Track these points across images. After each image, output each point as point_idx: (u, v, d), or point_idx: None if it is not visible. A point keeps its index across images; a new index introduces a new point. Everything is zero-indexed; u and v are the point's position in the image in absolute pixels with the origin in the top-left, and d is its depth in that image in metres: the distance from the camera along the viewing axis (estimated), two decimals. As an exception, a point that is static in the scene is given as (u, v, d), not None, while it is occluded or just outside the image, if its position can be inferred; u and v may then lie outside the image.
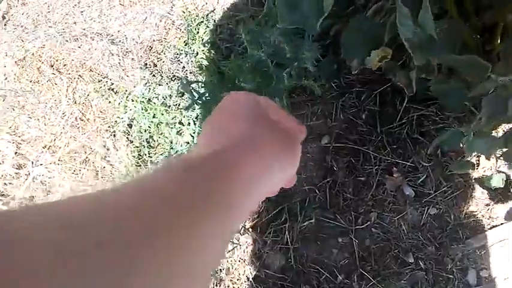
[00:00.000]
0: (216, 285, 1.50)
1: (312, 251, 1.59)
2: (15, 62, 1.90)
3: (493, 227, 1.55)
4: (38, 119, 1.79)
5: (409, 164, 1.65)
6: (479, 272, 1.52)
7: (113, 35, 1.92)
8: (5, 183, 1.72)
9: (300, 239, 1.61)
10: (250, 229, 1.58)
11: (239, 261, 1.55)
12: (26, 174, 1.73)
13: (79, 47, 1.91)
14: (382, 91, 1.72)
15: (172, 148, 1.59)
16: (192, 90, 1.25)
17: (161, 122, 1.64)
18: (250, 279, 1.51)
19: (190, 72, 1.72)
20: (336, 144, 1.72)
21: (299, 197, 1.64)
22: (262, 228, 1.61)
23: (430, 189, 1.63)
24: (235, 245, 1.53)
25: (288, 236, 1.59)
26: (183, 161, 0.31)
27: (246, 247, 1.57)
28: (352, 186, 1.66)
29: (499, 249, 1.50)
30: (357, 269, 1.55)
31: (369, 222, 1.61)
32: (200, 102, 1.28)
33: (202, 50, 1.70)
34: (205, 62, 1.63)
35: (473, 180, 1.61)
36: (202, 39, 1.72)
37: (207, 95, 1.29)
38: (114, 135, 1.71)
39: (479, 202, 1.57)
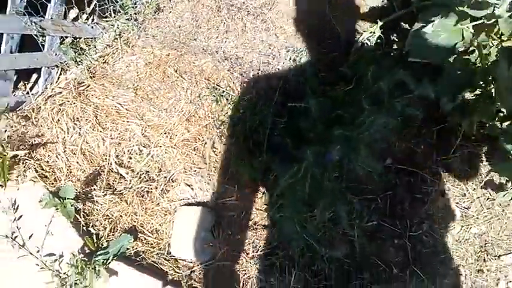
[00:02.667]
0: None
1: (372, 247, 1.95)
2: (146, 63, 2.36)
3: (525, 248, 1.89)
4: (161, 111, 2.22)
5: (458, 189, 2.01)
6: (508, 284, 1.86)
7: (225, 53, 2.37)
8: (129, 157, 2.13)
9: (363, 235, 1.97)
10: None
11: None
12: (146, 154, 2.14)
13: (196, 60, 2.36)
14: (440, 129, 2.10)
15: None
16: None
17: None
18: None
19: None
20: (398, 165, 2.10)
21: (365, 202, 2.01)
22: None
23: (474, 212, 1.98)
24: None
25: (355, 232, 1.95)
26: None
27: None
28: (409, 200, 2.03)
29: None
30: (409, 266, 1.89)
31: (421, 231, 1.97)
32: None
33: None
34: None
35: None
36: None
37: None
38: (222, 129, 2.12)
39: (513, 227, 1.92)
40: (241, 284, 1.79)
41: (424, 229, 1.98)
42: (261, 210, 1.97)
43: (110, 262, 1.77)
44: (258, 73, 2.24)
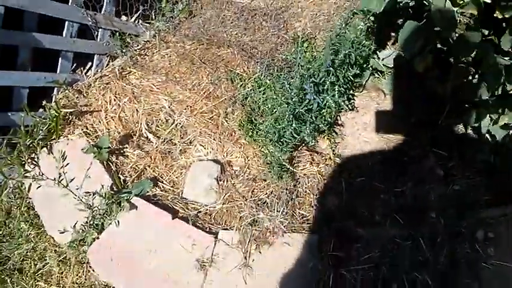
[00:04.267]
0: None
1: (359, 200, 2.15)
2: (177, 55, 2.82)
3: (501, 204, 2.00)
4: (186, 90, 2.64)
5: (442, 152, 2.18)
6: (487, 233, 1.97)
7: (243, 45, 2.78)
8: (157, 126, 2.55)
9: (350, 190, 2.18)
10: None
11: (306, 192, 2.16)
12: (171, 123, 2.55)
13: (219, 51, 2.79)
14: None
15: (272, 113, 2.30)
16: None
17: (268, 97, 2.38)
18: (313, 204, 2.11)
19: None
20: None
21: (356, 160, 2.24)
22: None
23: (456, 172, 2.13)
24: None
25: (343, 186, 2.17)
26: None
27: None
28: (398, 164, 2.23)
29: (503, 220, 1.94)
30: (391, 215, 2.07)
31: (405, 187, 2.15)
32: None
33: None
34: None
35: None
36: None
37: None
38: (234, 103, 2.49)
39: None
40: (238, 220, 2.07)
41: (408, 186, 2.15)
42: (261, 167, 2.26)
43: (131, 198, 2.14)
44: (267, 59, 2.61)
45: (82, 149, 2.25)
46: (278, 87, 2.23)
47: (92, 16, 2.41)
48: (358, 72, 2.06)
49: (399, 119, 2.32)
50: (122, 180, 2.23)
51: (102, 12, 2.50)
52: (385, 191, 2.13)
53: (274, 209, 2.00)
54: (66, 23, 2.34)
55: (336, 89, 1.90)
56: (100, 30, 2.54)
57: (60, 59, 2.41)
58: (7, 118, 2.26)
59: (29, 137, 2.25)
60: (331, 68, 1.89)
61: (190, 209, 2.15)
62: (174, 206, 2.15)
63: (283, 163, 2.03)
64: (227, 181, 2.21)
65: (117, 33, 2.68)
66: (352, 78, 1.98)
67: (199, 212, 2.15)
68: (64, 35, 2.36)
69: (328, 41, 2.03)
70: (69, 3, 2.30)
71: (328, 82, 1.87)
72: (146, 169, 2.32)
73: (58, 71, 2.43)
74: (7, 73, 2.16)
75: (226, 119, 2.46)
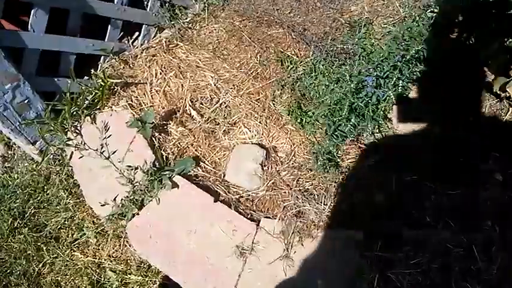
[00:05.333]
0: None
1: (409, 199, 2.02)
2: (226, 31, 2.70)
3: None
4: (233, 68, 2.53)
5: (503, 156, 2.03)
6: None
7: (294, 26, 2.64)
8: (202, 103, 2.46)
9: (400, 188, 2.05)
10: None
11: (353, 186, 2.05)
12: (216, 101, 2.45)
13: (269, 30, 2.65)
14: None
15: (323, 102, 2.17)
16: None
17: (320, 83, 2.25)
18: (360, 200, 1.99)
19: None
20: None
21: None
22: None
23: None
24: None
25: (393, 183, 2.04)
26: None
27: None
28: (453, 164, 2.08)
29: None
30: (442, 218, 1.94)
31: (459, 190, 2.01)
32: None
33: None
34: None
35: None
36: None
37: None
38: (283, 86, 2.37)
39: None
40: (281, 209, 1.98)
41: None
42: (307, 156, 2.16)
43: (173, 176, 2.07)
44: (321, 42, 2.46)
45: (126, 123, 2.18)
46: (333, 75, 2.09)
47: (143, -15, 2.30)
48: (426, 69, 1.90)
49: (457, 116, 2.16)
50: (164, 157, 2.14)
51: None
52: (437, 191, 2.00)
53: (321, 202, 1.90)
54: (119, -10, 2.24)
55: (400, 84, 1.76)
56: (150, 0, 2.43)
57: (109, 26, 2.32)
58: (53, 83, 2.20)
59: (73, 105, 2.18)
60: (398, 63, 1.74)
61: (232, 193, 2.07)
62: (216, 188, 2.07)
63: (333, 156, 1.91)
64: (271, 167, 2.12)
65: (167, 4, 2.56)
66: (419, 75, 1.83)
67: (241, 197, 2.06)
68: (115, 1, 2.26)
69: (394, 32, 1.87)
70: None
71: (394, 78, 1.73)
72: (189, 147, 2.24)
73: (106, 39, 2.35)
74: (57, 37, 2.10)
75: (274, 102, 2.35)
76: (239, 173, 2.10)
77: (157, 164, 2.11)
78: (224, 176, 2.15)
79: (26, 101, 2.08)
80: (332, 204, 1.91)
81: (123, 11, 2.31)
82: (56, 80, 2.20)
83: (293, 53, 2.47)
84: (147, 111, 2.16)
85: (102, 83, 2.22)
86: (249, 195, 2.06)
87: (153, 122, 2.16)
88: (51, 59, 2.17)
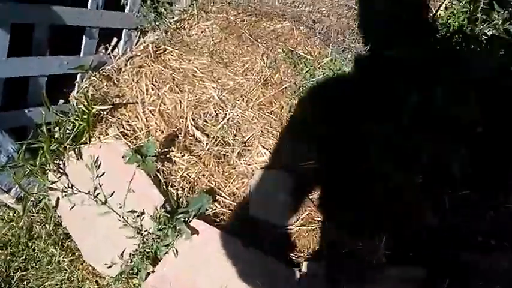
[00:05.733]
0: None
1: (464, 217, 1.77)
2: (221, 29, 2.28)
3: None
4: (237, 75, 2.14)
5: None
6: None
7: (302, 18, 2.25)
8: (205, 120, 2.07)
9: (453, 206, 1.79)
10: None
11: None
12: (222, 117, 2.06)
13: (272, 25, 2.26)
14: None
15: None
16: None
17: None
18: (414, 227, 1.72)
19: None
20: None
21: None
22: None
23: None
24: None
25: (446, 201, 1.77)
26: None
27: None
28: None
29: None
30: (509, 238, 1.70)
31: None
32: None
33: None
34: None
35: None
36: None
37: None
38: (299, 95, 2.01)
39: None
40: (324, 246, 1.67)
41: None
42: (343, 174, 1.84)
43: (191, 220, 1.71)
44: (337, 36, 2.10)
45: (122, 157, 1.77)
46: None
47: (121, -21, 1.84)
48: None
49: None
50: (174, 196, 1.77)
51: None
52: (496, 207, 1.75)
53: (373, 236, 1.60)
54: (92, -9, 1.77)
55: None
56: (130, -1, 1.97)
57: (84, 38, 1.86)
58: (24, 116, 1.75)
59: (53, 141, 1.74)
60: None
61: (261, 232, 1.74)
62: (242, 228, 1.73)
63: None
64: (304, 195, 1.79)
65: (149, 1, 2.10)
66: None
67: (273, 234, 1.73)
68: (89, 6, 1.79)
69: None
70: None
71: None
72: (200, 178, 1.87)
73: (82, 54, 1.88)
74: (22, 60, 1.63)
75: (291, 113, 1.99)
76: (266, 207, 1.77)
77: (167, 206, 1.74)
78: (248, 211, 1.80)
79: (-9, 145, 1.64)
80: (388, 238, 1.61)
81: (99, 17, 1.85)
82: (26, 111, 1.74)
83: (305, 51, 2.11)
84: (147, 143, 1.76)
85: (86, 110, 1.77)
86: (283, 232, 1.73)
87: (156, 155, 1.76)
88: (17, 87, 1.70)
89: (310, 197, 1.80)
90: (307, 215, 1.76)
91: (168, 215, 1.70)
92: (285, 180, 1.80)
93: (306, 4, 2.28)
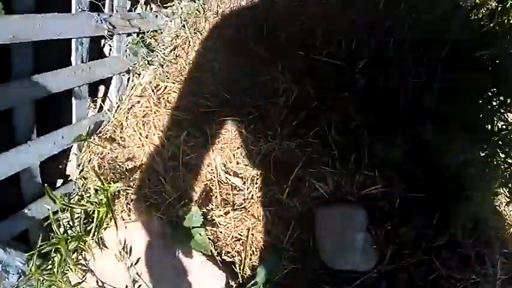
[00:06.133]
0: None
1: None
2: (224, 48, 1.92)
3: None
4: (258, 99, 1.80)
5: None
6: None
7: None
8: (237, 162, 1.74)
9: None
10: None
11: None
12: (257, 153, 1.74)
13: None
14: None
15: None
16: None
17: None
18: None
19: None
20: None
21: None
22: None
23: None
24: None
25: None
26: None
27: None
28: None
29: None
30: None
31: None
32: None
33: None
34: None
35: None
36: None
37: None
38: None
39: None
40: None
41: None
42: (415, 192, 1.56)
43: (264, 293, 1.39)
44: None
45: (163, 239, 1.42)
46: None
47: (106, 20, 1.44)
48: None
49: None
50: (232, 266, 1.44)
51: (115, 9, 1.51)
52: None
53: (487, 266, 1.34)
54: (73, 43, 1.36)
55: None
56: (115, 36, 1.57)
57: (73, 100, 1.46)
58: (23, 219, 1.35)
59: (69, 239, 1.36)
60: None
61: (343, 281, 1.45)
62: (321, 283, 1.43)
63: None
64: (382, 227, 1.50)
65: (135, 35, 1.71)
66: None
67: (359, 282, 1.45)
68: (73, 61, 1.39)
69: None
70: (73, 11, 1.31)
71: None
72: (254, 235, 1.54)
73: (74, 119, 1.49)
74: (11, 154, 1.23)
75: (338, 135, 1.69)
76: (345, 252, 1.47)
77: (231, 282, 1.41)
78: (321, 260, 1.50)
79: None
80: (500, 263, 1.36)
81: (88, 71, 1.45)
82: (26, 212, 1.34)
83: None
84: (190, 211, 1.42)
85: (102, 191, 1.40)
86: (370, 277, 1.45)
87: (203, 223, 1.42)
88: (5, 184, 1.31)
89: (389, 227, 1.51)
90: (393, 250, 1.47)
91: (238, 294, 1.36)
92: (354, 213, 1.51)
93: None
